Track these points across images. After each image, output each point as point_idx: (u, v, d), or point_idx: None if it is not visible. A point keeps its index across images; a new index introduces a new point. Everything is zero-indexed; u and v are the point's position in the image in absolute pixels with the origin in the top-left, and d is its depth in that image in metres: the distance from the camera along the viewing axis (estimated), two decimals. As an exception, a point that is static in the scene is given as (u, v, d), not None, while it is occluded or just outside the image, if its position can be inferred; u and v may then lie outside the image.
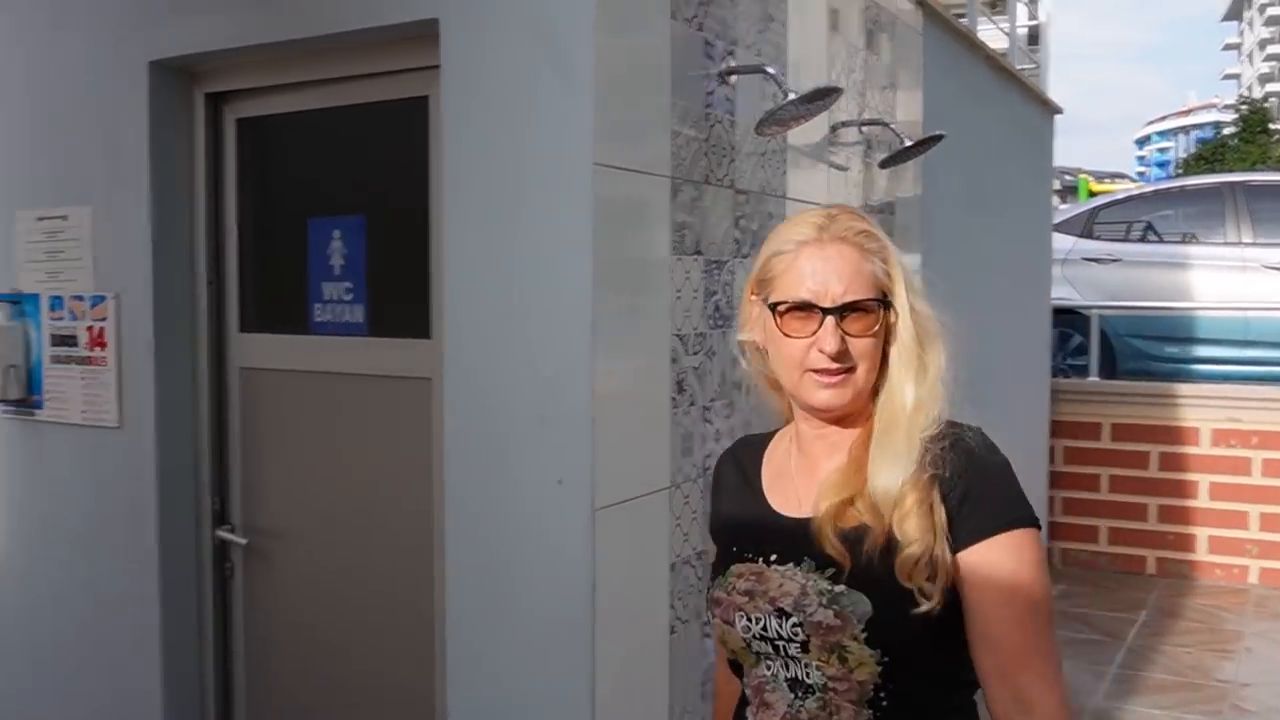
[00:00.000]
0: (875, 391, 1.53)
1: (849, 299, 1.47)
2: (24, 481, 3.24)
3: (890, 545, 1.42)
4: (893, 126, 3.68)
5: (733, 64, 2.74)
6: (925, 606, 1.40)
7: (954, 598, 1.43)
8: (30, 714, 3.29)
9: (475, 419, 2.35)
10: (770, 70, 2.75)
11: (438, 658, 2.59)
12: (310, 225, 2.82)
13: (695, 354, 2.62)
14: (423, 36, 2.45)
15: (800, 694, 1.48)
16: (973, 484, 1.44)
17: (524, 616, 2.31)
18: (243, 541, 2.95)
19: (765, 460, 1.66)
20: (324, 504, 2.85)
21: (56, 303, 3.08)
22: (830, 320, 1.47)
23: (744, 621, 1.51)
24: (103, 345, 2.98)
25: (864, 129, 3.60)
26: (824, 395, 1.50)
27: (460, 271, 2.37)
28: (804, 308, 1.49)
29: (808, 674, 1.47)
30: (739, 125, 2.79)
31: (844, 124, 3.45)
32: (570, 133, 2.23)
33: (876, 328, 1.49)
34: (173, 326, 2.93)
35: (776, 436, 1.69)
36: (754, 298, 1.58)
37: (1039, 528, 1.46)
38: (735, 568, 1.55)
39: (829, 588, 1.45)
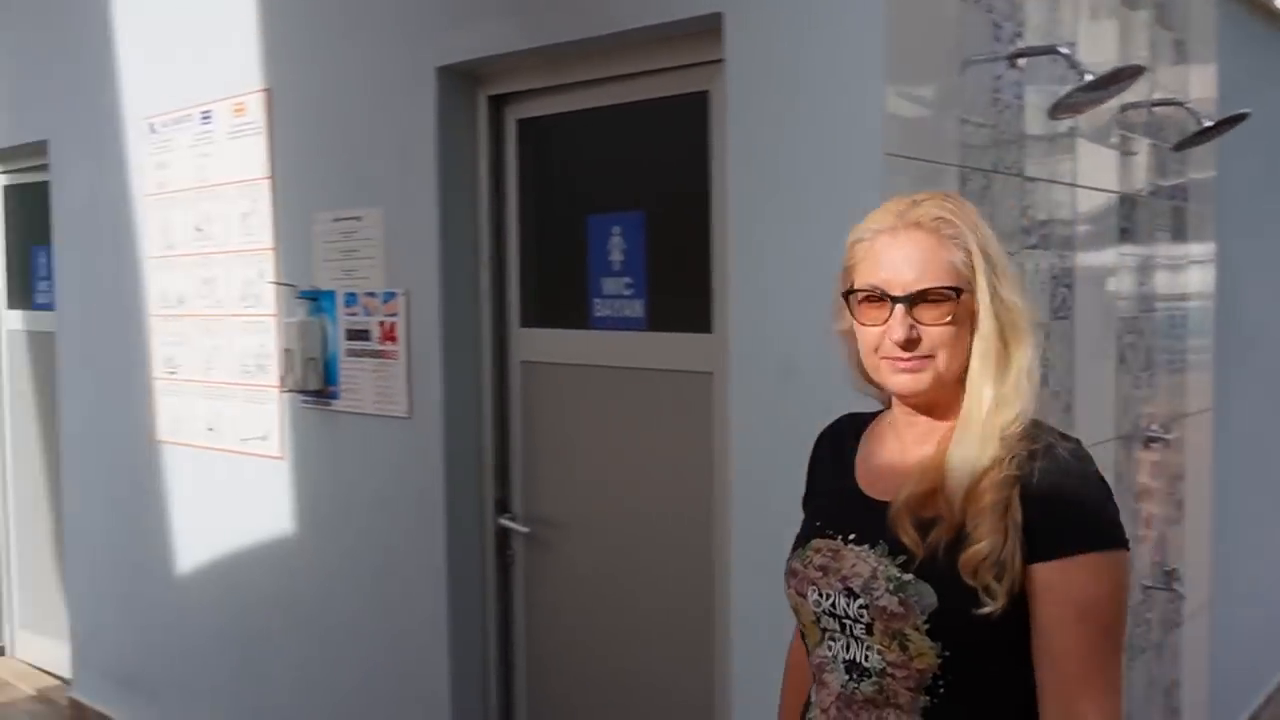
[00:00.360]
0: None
1: (919, 287, 1.47)
2: (319, 467, 3.50)
3: (960, 540, 1.43)
4: (1187, 106, 3.50)
5: (1022, 45, 2.68)
6: (989, 608, 1.39)
7: (1024, 605, 1.42)
8: (325, 689, 3.55)
9: (762, 414, 2.39)
10: (1064, 50, 2.66)
11: (718, 656, 2.65)
12: (589, 222, 2.93)
13: (982, 348, 2.58)
14: (705, 31, 2.51)
15: (855, 676, 1.50)
16: (1062, 495, 1.41)
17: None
18: (525, 530, 3.10)
19: (863, 440, 1.68)
20: (602, 496, 2.96)
21: (351, 299, 3.31)
22: (900, 309, 1.48)
23: (815, 596, 1.54)
24: (394, 339, 3.19)
25: (1155, 109, 3.44)
26: (900, 380, 1.51)
27: (746, 266, 2.41)
28: (876, 295, 1.50)
29: (867, 657, 1.49)
30: (1027, 110, 2.72)
31: (1134, 105, 3.30)
32: (860, 123, 2.24)
33: (950, 316, 1.48)
34: (458, 321, 3.11)
35: (878, 418, 1.70)
36: (842, 287, 1.60)
37: (1127, 550, 1.43)
38: (815, 542, 1.59)
39: (898, 575, 1.46)
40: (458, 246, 3.10)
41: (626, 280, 2.84)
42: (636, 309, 2.83)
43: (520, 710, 3.23)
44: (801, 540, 1.64)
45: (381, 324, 3.22)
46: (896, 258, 1.49)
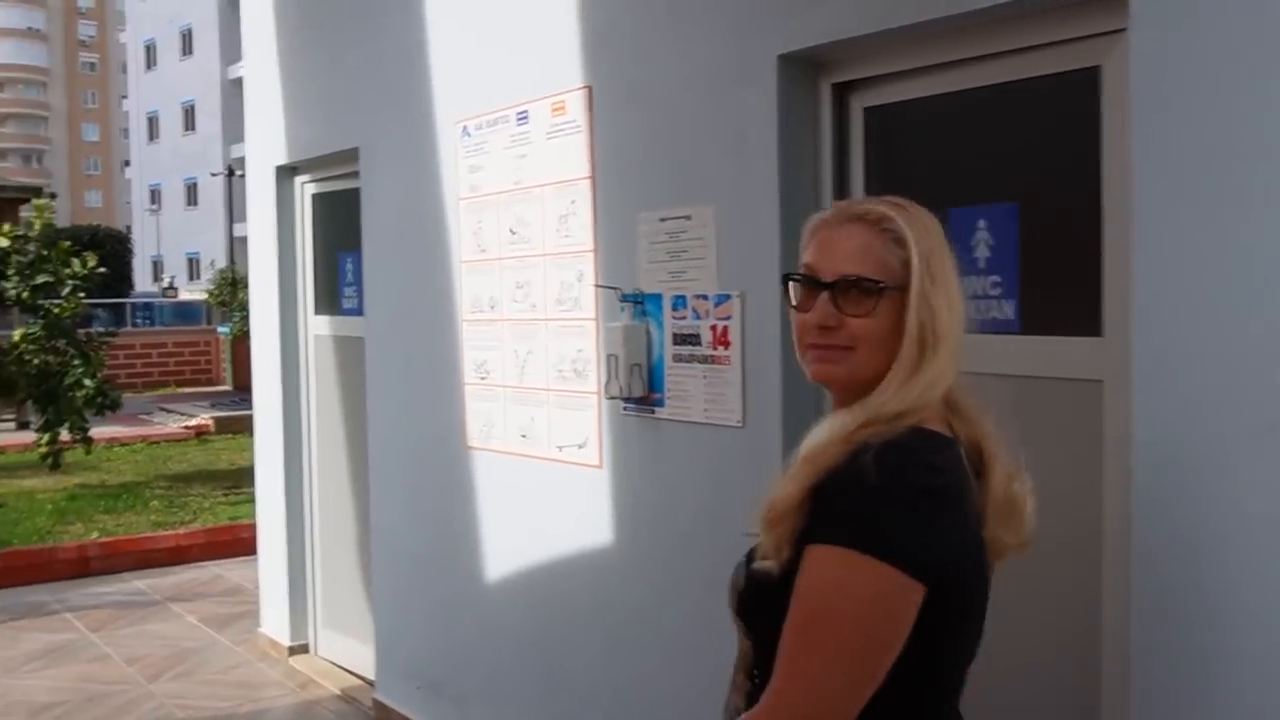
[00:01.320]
0: None
1: (845, 272, 1.55)
2: (641, 477, 3.48)
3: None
4: None
5: None
6: (764, 565, 1.52)
7: None
8: (642, 709, 3.53)
9: (1177, 428, 2.18)
10: None
11: (1105, 689, 2.47)
12: (951, 216, 2.78)
13: None
14: (1099, 1, 2.34)
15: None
16: (834, 490, 1.47)
17: (1229, 655, 2.11)
18: (870, 548, 2.97)
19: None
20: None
21: (679, 302, 3.27)
22: (826, 295, 1.56)
23: None
24: (726, 344, 3.13)
25: None
26: (814, 368, 1.61)
27: (1153, 262, 2.21)
28: (806, 280, 1.60)
29: None
30: None
31: None
32: (1307, 95, 2.02)
33: (874, 310, 1.54)
34: (798, 325, 3.01)
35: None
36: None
37: (886, 562, 1.42)
38: None
39: (744, 560, 1.61)
40: (798, 245, 3.01)
41: (994, 279, 2.68)
42: (1006, 310, 2.66)
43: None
44: None
45: (713, 328, 3.17)
46: (833, 245, 1.59)
